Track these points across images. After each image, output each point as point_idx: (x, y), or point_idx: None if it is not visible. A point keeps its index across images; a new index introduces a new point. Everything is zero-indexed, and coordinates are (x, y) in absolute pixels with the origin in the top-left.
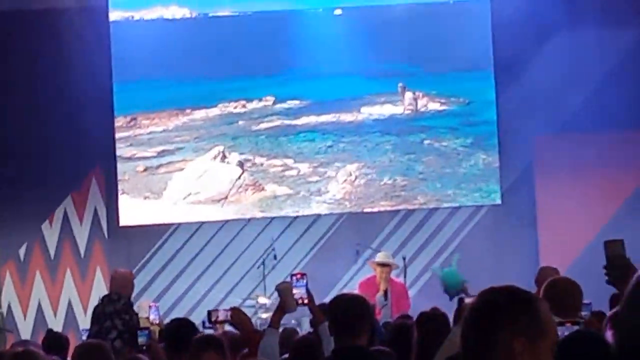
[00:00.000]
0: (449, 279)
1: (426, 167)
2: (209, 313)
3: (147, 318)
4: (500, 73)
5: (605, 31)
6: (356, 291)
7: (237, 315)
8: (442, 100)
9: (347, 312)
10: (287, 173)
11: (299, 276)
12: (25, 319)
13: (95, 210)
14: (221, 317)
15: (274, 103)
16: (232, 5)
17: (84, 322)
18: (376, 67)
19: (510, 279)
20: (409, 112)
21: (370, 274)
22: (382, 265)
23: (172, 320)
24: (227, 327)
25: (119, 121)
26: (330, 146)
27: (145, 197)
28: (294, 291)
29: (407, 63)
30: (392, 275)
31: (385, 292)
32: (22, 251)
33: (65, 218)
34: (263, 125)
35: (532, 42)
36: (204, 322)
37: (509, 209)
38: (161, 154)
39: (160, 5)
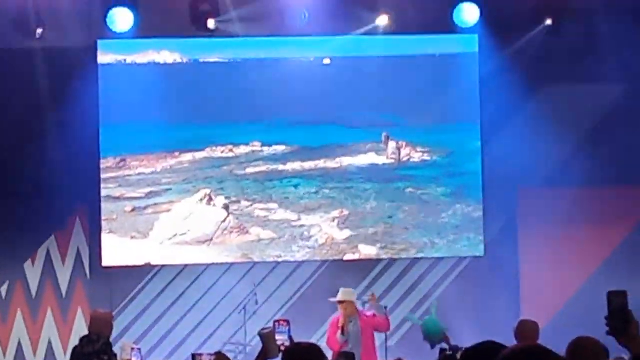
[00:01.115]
0: (430, 327)
1: (408, 215)
2: (194, 357)
3: None
4: (486, 123)
5: (593, 86)
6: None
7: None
8: (426, 150)
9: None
10: (271, 217)
11: (282, 322)
12: (5, 357)
13: (78, 250)
14: None
15: (261, 147)
16: (222, 52)
17: None
18: (362, 116)
19: (491, 331)
20: (392, 161)
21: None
22: (339, 302)
23: None
24: None
25: (109, 162)
26: (314, 192)
27: (132, 237)
28: (277, 338)
29: (392, 113)
30: None
31: (343, 329)
32: (3, 289)
33: (48, 257)
34: (249, 170)
35: (519, 94)
36: None
37: (491, 261)
38: (149, 195)
39: (152, 49)
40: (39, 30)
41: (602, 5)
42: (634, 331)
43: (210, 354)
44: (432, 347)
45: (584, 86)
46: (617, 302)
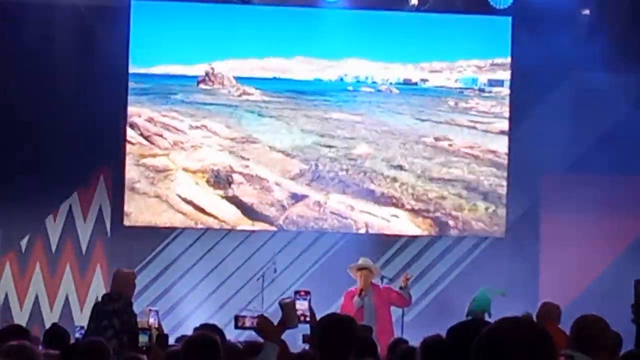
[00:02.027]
0: (479, 299)
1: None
2: (236, 318)
3: (147, 322)
4: (515, 105)
5: (625, 75)
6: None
7: (263, 323)
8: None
9: (334, 332)
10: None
11: (303, 293)
12: (21, 310)
13: (100, 208)
14: (247, 324)
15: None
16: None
17: (80, 318)
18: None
19: (508, 312)
20: None
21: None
22: (360, 269)
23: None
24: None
25: (135, 116)
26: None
27: (156, 197)
28: (297, 308)
29: None
30: None
31: (361, 292)
32: (23, 243)
33: (70, 214)
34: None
35: (549, 80)
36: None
37: (512, 243)
38: (176, 153)
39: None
40: None
41: None
42: None
43: (253, 317)
44: (467, 315)
45: (615, 74)
46: None
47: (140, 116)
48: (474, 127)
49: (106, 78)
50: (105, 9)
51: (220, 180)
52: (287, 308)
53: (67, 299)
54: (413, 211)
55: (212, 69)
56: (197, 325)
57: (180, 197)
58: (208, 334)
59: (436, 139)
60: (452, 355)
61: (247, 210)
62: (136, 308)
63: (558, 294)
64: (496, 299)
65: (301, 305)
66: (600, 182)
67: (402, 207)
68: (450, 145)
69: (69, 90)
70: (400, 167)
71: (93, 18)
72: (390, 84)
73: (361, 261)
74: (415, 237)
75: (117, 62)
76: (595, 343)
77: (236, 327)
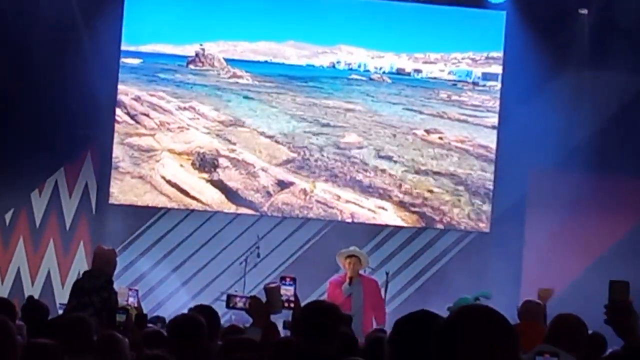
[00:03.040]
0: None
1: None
2: (228, 297)
3: (127, 302)
4: (505, 100)
5: (615, 74)
6: (326, 290)
7: (255, 305)
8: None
9: (318, 319)
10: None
11: (289, 279)
12: (2, 283)
13: (87, 184)
14: (239, 304)
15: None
16: None
17: (61, 294)
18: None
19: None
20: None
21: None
22: (349, 256)
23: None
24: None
25: (122, 94)
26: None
27: (142, 176)
28: (282, 293)
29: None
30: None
31: (351, 280)
32: (7, 216)
33: (56, 189)
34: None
35: (540, 76)
36: None
37: (496, 238)
38: (163, 132)
39: None
40: None
41: None
42: (633, 323)
43: (245, 296)
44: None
45: (605, 73)
46: (618, 292)
47: (127, 94)
48: (466, 121)
49: (99, 55)
50: None
51: (205, 164)
52: (272, 293)
53: (49, 274)
54: (400, 204)
55: (203, 49)
56: (181, 306)
57: (164, 178)
58: (193, 315)
59: (427, 132)
60: (396, 346)
61: (232, 195)
62: (117, 286)
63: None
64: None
65: (287, 291)
66: (588, 180)
67: (389, 199)
68: (441, 138)
69: (60, 66)
70: (389, 158)
71: None
72: (384, 73)
73: (352, 249)
74: (400, 227)
75: (110, 39)
76: (569, 341)
77: (227, 306)
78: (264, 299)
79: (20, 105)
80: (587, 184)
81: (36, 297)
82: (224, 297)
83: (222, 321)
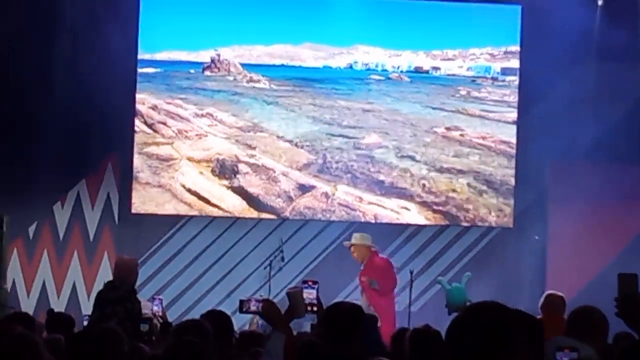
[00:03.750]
0: (454, 295)
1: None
2: (241, 302)
3: (151, 311)
4: (524, 93)
5: (633, 66)
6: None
7: (268, 307)
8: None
9: (341, 321)
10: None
11: (310, 283)
12: (28, 297)
13: (108, 195)
14: (252, 308)
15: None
16: None
17: (87, 306)
18: None
19: (515, 303)
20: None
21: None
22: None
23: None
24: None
25: (139, 104)
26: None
27: (163, 185)
28: (305, 297)
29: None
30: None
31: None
32: (32, 229)
33: (78, 201)
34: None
35: (558, 70)
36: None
37: (520, 233)
38: (183, 141)
39: None
40: None
41: None
42: None
43: (258, 300)
44: (449, 314)
45: (625, 64)
46: (627, 285)
47: (144, 103)
48: (486, 117)
49: (116, 64)
50: None
51: (225, 170)
52: (294, 297)
53: (74, 286)
54: (423, 203)
55: (218, 55)
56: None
57: (184, 187)
58: (198, 320)
59: (447, 129)
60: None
61: (253, 201)
62: (142, 296)
63: (565, 284)
64: (501, 291)
65: (309, 294)
66: (608, 172)
67: (412, 199)
68: (462, 135)
69: (79, 76)
70: (411, 158)
71: (103, 4)
72: (401, 71)
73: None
74: (423, 226)
75: (127, 48)
76: (589, 333)
77: (241, 311)
78: (286, 304)
79: (39, 118)
80: (607, 176)
81: (62, 309)
82: None
83: (248, 327)
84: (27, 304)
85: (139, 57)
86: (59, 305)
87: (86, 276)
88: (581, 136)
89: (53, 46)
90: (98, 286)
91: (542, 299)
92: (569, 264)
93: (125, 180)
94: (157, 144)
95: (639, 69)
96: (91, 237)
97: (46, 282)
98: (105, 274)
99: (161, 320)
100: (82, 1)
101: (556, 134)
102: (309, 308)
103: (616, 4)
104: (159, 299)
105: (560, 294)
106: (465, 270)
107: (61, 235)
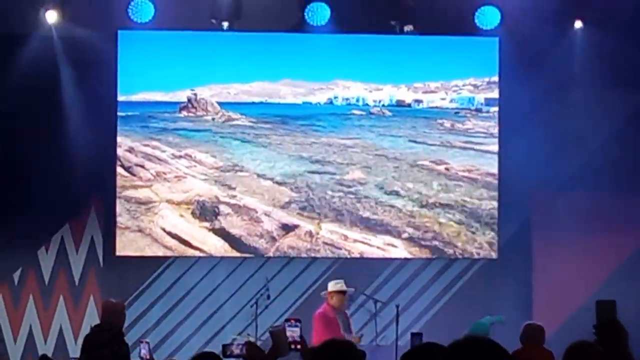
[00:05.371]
0: (476, 330)
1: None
2: (224, 347)
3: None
4: (505, 125)
5: (612, 93)
6: (316, 325)
7: (251, 350)
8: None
9: (335, 357)
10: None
11: (293, 321)
12: (15, 343)
13: (92, 239)
14: (236, 351)
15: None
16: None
17: (74, 350)
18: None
19: (502, 335)
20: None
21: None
22: (343, 292)
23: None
24: None
25: (118, 146)
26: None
27: (146, 227)
28: (289, 335)
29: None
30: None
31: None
32: (16, 276)
33: (62, 245)
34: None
35: (537, 99)
36: None
37: (505, 264)
38: (162, 183)
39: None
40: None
41: (629, 8)
42: (622, 341)
43: (241, 344)
44: None
45: (605, 93)
46: (606, 312)
47: (120, 146)
48: (472, 149)
49: (97, 107)
50: (93, 39)
51: (206, 212)
52: (277, 336)
53: (61, 330)
54: (409, 239)
55: (195, 94)
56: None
57: (164, 230)
58: (210, 352)
59: (432, 162)
60: None
61: (236, 243)
62: (129, 339)
63: (552, 313)
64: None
65: (293, 333)
66: (591, 201)
67: (399, 235)
68: (447, 168)
69: (60, 120)
70: (396, 193)
71: (83, 49)
72: (383, 105)
73: (342, 286)
74: (408, 259)
75: (107, 91)
76: None
77: (224, 355)
78: (270, 344)
79: (22, 163)
80: (590, 205)
81: (50, 353)
82: (237, 341)
83: None
84: (14, 350)
85: (120, 99)
86: (46, 350)
87: (73, 320)
88: (563, 165)
89: (34, 90)
90: (85, 330)
91: (521, 330)
92: (555, 294)
93: (109, 223)
94: (136, 187)
95: (617, 94)
96: (76, 281)
97: (33, 328)
98: (92, 317)
99: None
100: (64, 47)
101: (537, 163)
102: (293, 346)
103: (594, 32)
104: (146, 342)
105: (539, 324)
106: (451, 303)
107: (46, 280)
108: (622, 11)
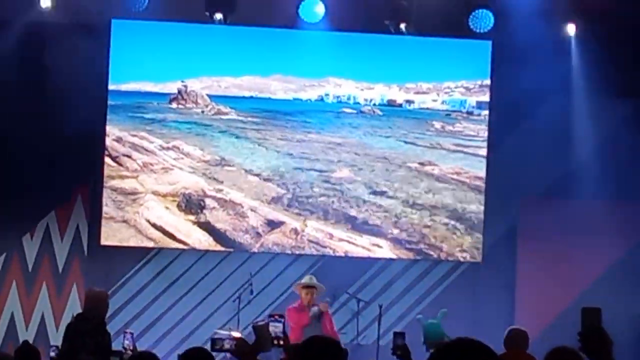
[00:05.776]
0: (430, 331)
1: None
2: (213, 341)
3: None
4: (493, 128)
5: (604, 99)
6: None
7: (241, 346)
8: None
9: (317, 354)
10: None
11: (276, 317)
12: None
13: (78, 227)
14: (226, 346)
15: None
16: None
17: (55, 337)
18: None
19: (483, 337)
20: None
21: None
22: (307, 287)
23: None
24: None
25: (108, 137)
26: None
27: (132, 217)
28: (272, 331)
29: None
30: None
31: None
32: (0, 261)
33: (47, 232)
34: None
35: (528, 104)
36: None
37: (489, 268)
38: (150, 173)
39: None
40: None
41: (622, 13)
42: (607, 349)
43: (231, 339)
44: (427, 350)
45: (596, 99)
46: (590, 319)
47: (108, 135)
48: (461, 152)
49: (87, 95)
50: (87, 26)
51: (191, 205)
52: (260, 331)
53: (42, 317)
54: (396, 240)
55: (185, 86)
56: (176, 345)
57: (149, 222)
58: (203, 348)
59: (421, 164)
60: None
61: (220, 237)
62: (112, 328)
63: (533, 318)
64: (470, 326)
65: (275, 328)
66: (577, 207)
67: (384, 236)
68: (435, 170)
69: (49, 107)
70: (383, 193)
71: (75, 35)
72: (374, 105)
73: (307, 279)
74: (392, 260)
75: (98, 79)
76: None
77: (213, 349)
78: (253, 338)
79: (10, 148)
80: (577, 212)
81: (31, 341)
82: (217, 335)
83: None
84: None
85: (111, 88)
86: (27, 336)
87: (55, 308)
88: (551, 171)
89: (25, 75)
90: (67, 317)
91: (505, 334)
92: (538, 299)
93: (95, 212)
94: (122, 177)
95: (610, 103)
96: (60, 269)
97: (14, 314)
98: (74, 305)
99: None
100: (57, 34)
101: (526, 168)
102: (275, 342)
103: (587, 36)
104: (130, 332)
105: (523, 329)
106: (434, 304)
107: (30, 267)
108: (616, 16)
